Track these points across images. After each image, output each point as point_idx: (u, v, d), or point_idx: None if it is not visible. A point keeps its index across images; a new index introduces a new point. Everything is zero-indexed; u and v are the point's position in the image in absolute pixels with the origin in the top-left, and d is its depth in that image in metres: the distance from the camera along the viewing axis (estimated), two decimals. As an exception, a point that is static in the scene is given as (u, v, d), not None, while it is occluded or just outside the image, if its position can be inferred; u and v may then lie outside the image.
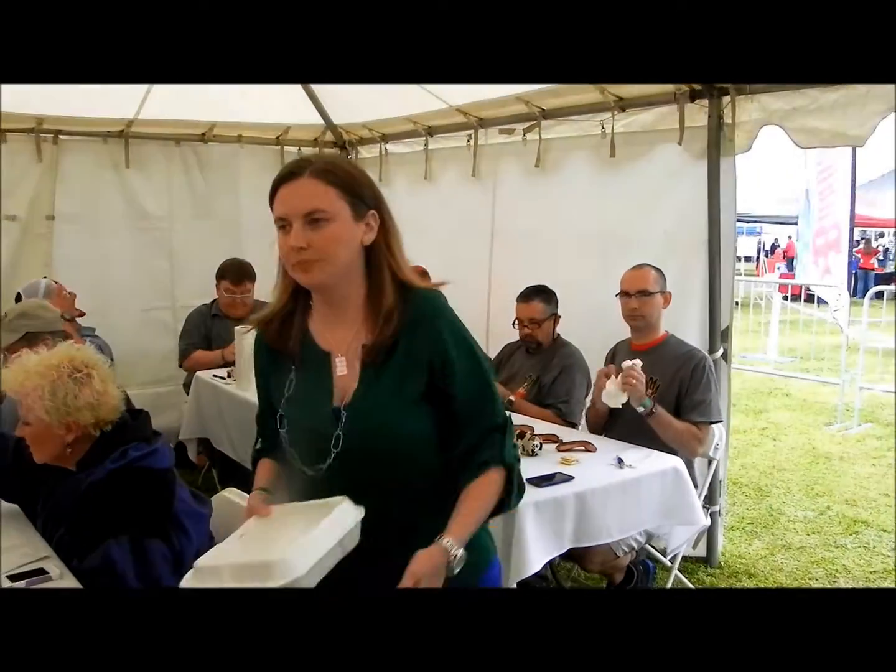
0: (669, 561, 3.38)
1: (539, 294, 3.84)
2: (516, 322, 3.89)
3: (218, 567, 1.40)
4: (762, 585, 3.78)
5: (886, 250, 22.66)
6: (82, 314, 4.20)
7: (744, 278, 12.39)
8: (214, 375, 4.38)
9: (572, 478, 2.78)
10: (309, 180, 1.46)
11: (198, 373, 4.49)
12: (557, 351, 3.82)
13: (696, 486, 3.27)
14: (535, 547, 2.55)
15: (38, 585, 1.84)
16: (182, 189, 5.44)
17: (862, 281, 17.67)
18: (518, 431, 3.04)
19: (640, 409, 3.17)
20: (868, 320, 7.78)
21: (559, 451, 3.08)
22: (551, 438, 3.18)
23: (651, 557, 3.39)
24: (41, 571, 1.92)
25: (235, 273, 4.70)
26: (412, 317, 1.54)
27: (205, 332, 4.74)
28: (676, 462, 3.03)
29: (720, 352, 3.76)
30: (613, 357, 3.60)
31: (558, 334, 3.89)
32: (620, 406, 3.21)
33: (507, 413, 1.63)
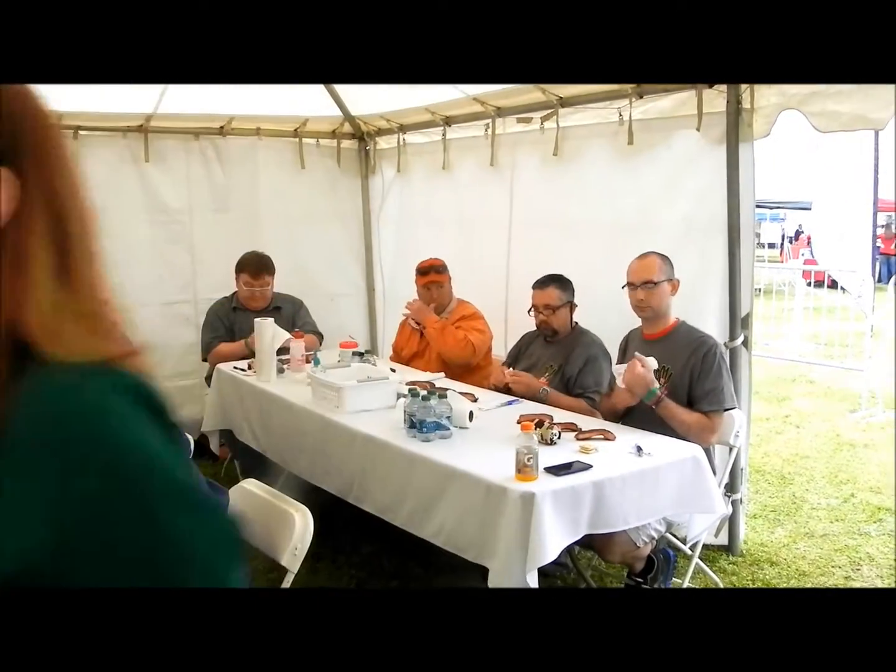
0: (690, 549, 3.37)
1: (554, 281, 3.84)
2: (532, 309, 3.89)
3: None
4: (784, 573, 3.76)
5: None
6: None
7: (767, 265, 12.27)
8: (235, 367, 4.41)
9: (591, 466, 2.78)
10: None
11: (219, 365, 4.51)
12: (578, 340, 3.81)
13: (715, 473, 3.26)
14: (552, 535, 2.55)
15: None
16: (201, 182, 5.45)
17: (884, 266, 17.43)
18: (537, 420, 3.05)
19: (647, 400, 3.19)
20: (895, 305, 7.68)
21: (578, 439, 3.07)
22: (570, 427, 3.18)
23: (672, 546, 3.38)
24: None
25: (254, 266, 4.72)
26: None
27: (228, 325, 4.77)
28: (696, 450, 3.02)
29: (741, 339, 3.73)
30: (626, 345, 3.60)
31: (576, 323, 3.88)
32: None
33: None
